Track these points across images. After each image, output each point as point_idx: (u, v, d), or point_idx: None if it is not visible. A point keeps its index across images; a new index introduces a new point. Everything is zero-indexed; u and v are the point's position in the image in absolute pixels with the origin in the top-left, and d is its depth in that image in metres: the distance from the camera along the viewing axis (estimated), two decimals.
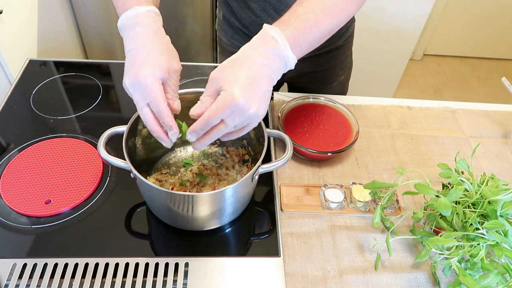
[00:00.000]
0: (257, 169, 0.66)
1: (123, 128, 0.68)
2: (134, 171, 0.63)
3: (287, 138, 0.71)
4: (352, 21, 1.09)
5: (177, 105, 0.61)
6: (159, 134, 0.60)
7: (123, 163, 0.65)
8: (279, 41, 0.58)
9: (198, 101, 0.58)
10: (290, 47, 0.59)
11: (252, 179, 0.67)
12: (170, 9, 1.67)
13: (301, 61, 1.19)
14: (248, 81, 0.55)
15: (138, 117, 0.70)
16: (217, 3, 1.11)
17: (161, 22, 0.63)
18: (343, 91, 1.22)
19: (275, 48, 0.58)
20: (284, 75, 0.62)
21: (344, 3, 0.66)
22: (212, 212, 0.68)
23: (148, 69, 0.56)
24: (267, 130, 0.70)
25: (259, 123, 0.70)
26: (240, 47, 0.59)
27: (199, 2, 1.68)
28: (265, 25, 0.61)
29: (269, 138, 0.72)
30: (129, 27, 0.60)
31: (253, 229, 0.76)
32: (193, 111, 0.57)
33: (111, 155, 0.65)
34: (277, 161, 0.67)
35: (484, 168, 0.92)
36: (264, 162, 0.67)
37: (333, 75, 1.14)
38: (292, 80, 1.15)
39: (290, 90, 1.21)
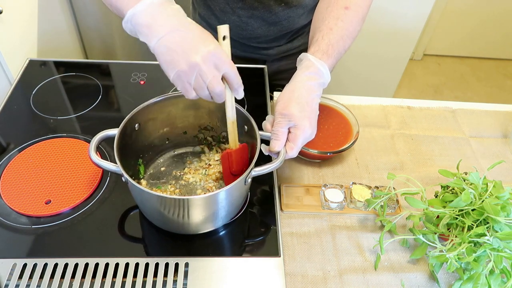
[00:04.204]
0: (249, 172, 0.65)
1: (114, 131, 0.67)
2: (126, 175, 0.62)
3: None
4: None
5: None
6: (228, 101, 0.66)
7: (114, 167, 0.63)
8: (324, 73, 0.72)
9: (273, 134, 0.68)
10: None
11: (245, 182, 0.66)
12: None
13: (278, 60, 1.21)
14: (312, 115, 0.70)
15: (129, 119, 0.69)
16: (193, 3, 1.10)
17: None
18: None
19: (322, 81, 0.72)
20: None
21: (358, 25, 0.80)
22: (205, 215, 0.68)
23: (215, 41, 0.60)
24: (260, 132, 0.70)
25: (253, 126, 0.71)
26: None
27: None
28: (309, 56, 0.72)
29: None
30: (159, 13, 0.59)
31: (253, 229, 0.76)
32: (276, 148, 0.67)
33: (110, 156, 0.65)
34: (270, 164, 0.67)
35: (484, 168, 0.92)
36: (260, 164, 0.67)
37: None
38: (269, 77, 1.13)
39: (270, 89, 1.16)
